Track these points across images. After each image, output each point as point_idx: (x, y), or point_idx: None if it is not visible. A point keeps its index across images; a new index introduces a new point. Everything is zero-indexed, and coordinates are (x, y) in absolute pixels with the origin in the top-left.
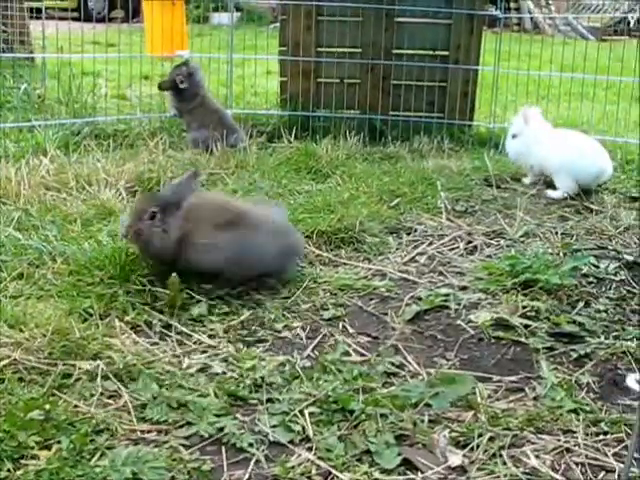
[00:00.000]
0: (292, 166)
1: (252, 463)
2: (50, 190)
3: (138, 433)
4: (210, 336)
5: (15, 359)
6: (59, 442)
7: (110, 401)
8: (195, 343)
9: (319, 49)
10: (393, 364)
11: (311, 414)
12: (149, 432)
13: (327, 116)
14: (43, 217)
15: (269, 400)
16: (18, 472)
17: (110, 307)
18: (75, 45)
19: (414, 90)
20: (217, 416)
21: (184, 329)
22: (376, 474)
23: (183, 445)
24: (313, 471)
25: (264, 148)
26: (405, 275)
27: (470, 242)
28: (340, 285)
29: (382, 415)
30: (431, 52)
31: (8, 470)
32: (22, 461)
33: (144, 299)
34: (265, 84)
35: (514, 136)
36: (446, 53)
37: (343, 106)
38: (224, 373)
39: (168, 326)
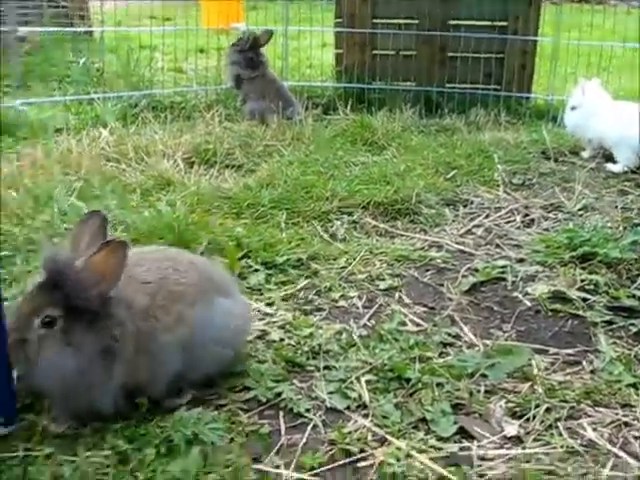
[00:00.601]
0: (348, 138)
1: (309, 428)
2: (110, 161)
3: (198, 396)
4: (268, 304)
5: None
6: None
7: None
8: (253, 311)
9: (375, 20)
10: (449, 334)
11: (367, 382)
12: (209, 395)
13: (383, 88)
14: (103, 187)
15: (326, 367)
16: (85, 429)
17: None
18: (133, 19)
19: (471, 62)
20: (275, 382)
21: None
22: (432, 441)
23: (241, 409)
24: (369, 437)
25: (319, 120)
26: (461, 247)
27: (527, 215)
28: (396, 256)
29: (438, 384)
30: (489, 23)
31: (76, 428)
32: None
33: None
34: (320, 56)
35: (573, 108)
36: (504, 24)
37: (399, 78)
38: (282, 340)
39: None
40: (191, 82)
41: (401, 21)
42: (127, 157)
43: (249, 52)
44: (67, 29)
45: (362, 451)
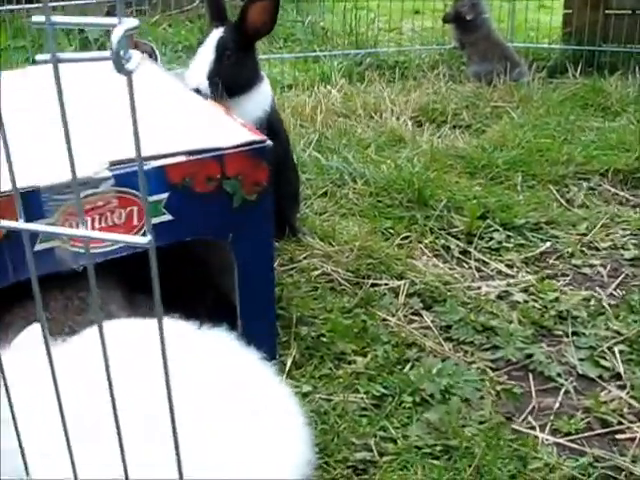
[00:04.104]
0: (577, 102)
1: (561, 393)
2: (340, 117)
3: (446, 351)
4: (508, 265)
5: (325, 271)
6: (375, 350)
7: (415, 318)
8: (493, 271)
9: None
10: None
11: (621, 352)
12: (456, 352)
13: (615, 51)
14: (338, 141)
15: (574, 333)
16: (339, 371)
17: (409, 230)
18: None
19: None
20: (524, 343)
21: (481, 256)
22: None
23: (490, 367)
24: (626, 410)
25: (546, 83)
26: None
27: None
28: None
29: None
30: None
31: (329, 369)
32: (341, 363)
33: (441, 224)
34: (545, 18)
35: None
36: None
37: (634, 40)
38: (526, 302)
39: (465, 252)
40: (412, 42)
41: None
42: (356, 113)
43: (466, 18)
44: None
45: (620, 423)
